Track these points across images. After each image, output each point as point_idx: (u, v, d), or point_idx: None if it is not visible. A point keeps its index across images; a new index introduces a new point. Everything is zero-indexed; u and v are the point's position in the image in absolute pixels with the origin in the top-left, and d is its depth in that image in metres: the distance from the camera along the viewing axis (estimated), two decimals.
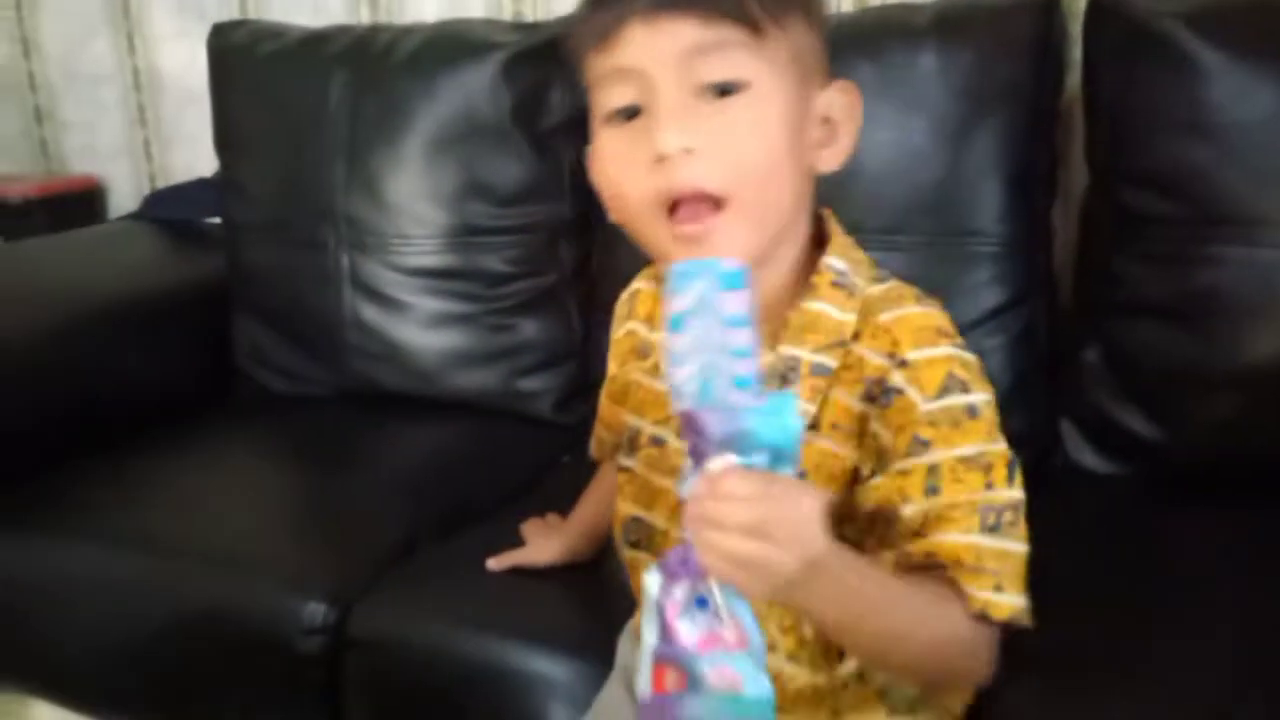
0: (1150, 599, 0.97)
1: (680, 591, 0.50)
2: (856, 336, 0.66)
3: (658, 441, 0.72)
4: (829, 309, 0.67)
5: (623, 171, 0.65)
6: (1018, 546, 0.65)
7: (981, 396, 0.64)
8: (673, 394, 0.52)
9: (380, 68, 1.45)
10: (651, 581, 0.51)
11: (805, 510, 0.51)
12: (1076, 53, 1.25)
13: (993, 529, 0.63)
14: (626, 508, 0.75)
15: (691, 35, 0.62)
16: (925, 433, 0.63)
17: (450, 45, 1.46)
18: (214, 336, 1.58)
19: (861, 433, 0.65)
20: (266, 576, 1.11)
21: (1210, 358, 1.13)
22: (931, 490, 0.63)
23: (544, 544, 1.03)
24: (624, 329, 0.81)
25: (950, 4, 1.27)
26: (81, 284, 1.50)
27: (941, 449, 0.63)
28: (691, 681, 0.49)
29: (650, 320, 0.76)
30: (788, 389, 0.65)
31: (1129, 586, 0.99)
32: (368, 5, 1.79)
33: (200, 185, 1.77)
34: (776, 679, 0.58)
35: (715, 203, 0.63)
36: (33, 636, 1.18)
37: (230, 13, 1.85)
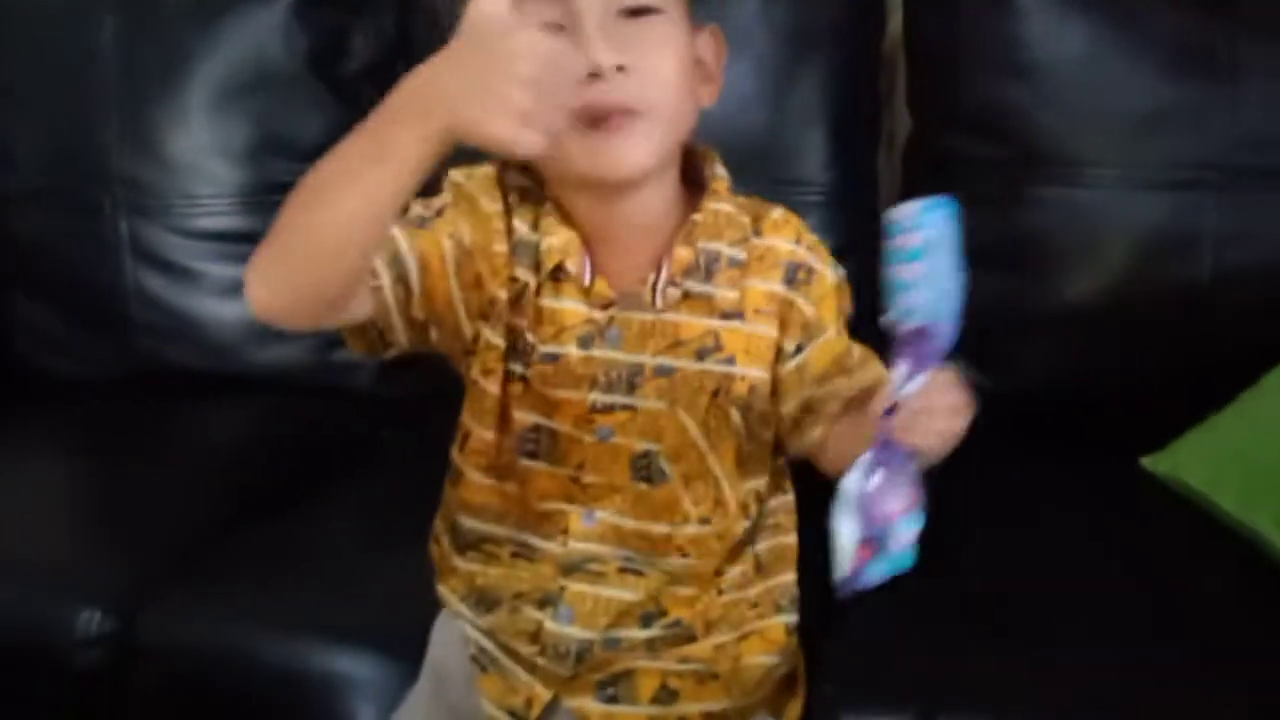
0: (973, 541, 0.96)
1: (878, 477, 0.60)
2: (757, 233, 0.75)
3: (551, 358, 0.73)
4: (732, 210, 0.75)
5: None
6: None
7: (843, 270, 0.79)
8: (900, 314, 0.61)
9: (156, 10, 1.32)
10: (850, 482, 0.60)
11: (960, 384, 0.63)
12: None
13: None
14: (523, 417, 0.74)
15: None
16: (840, 301, 0.77)
17: None
18: None
19: (784, 313, 0.74)
20: (37, 583, 1.00)
21: (1030, 300, 1.14)
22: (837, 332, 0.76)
23: None
24: (498, 205, 0.73)
25: None
26: None
27: (842, 303, 0.78)
28: (879, 550, 0.60)
29: (539, 227, 0.74)
30: (711, 279, 0.73)
31: (952, 531, 0.97)
32: None
33: None
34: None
35: (637, 115, 0.69)
36: None
37: None
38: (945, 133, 1.18)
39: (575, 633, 0.74)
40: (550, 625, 0.74)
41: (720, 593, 0.77)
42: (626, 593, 0.74)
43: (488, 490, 0.77)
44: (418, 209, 0.72)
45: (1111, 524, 0.99)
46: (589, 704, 0.75)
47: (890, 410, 0.61)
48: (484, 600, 0.78)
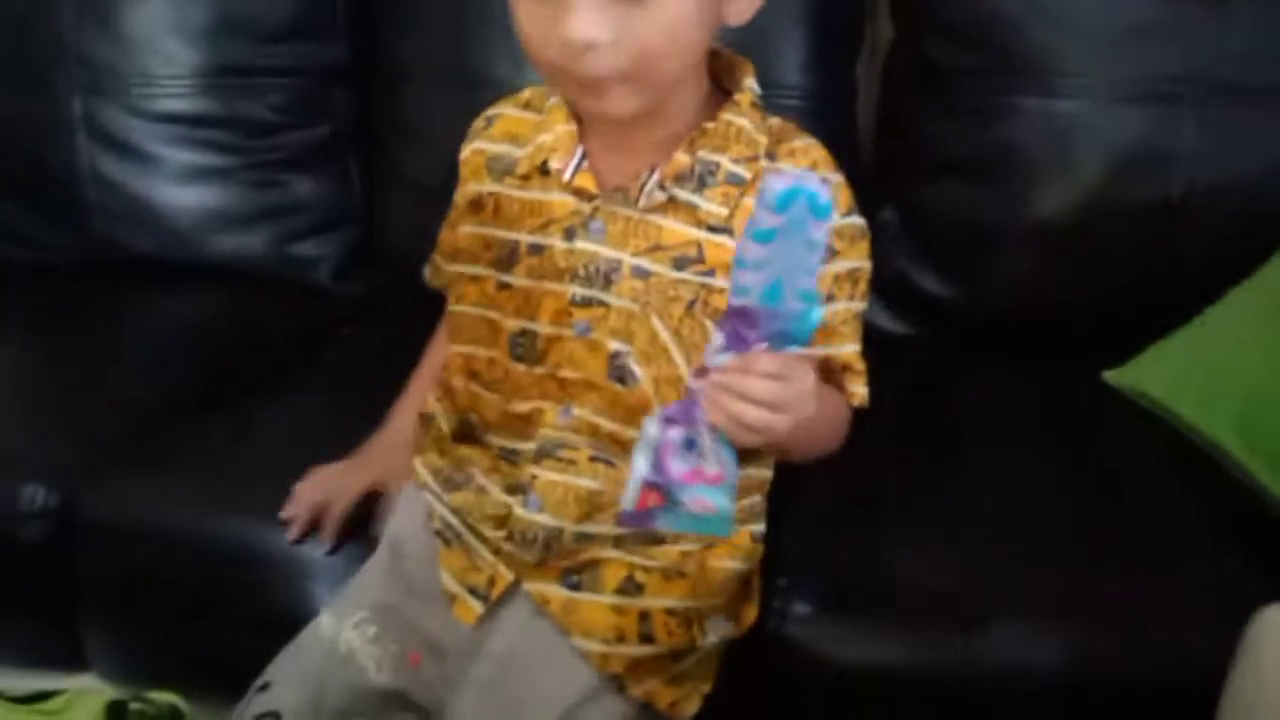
0: (938, 452, 0.98)
1: (676, 434, 0.61)
2: (771, 156, 0.73)
3: (536, 249, 0.75)
4: (747, 125, 0.73)
5: (534, 37, 0.69)
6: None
7: (864, 221, 0.77)
8: (734, 290, 0.59)
9: None
10: (651, 425, 0.61)
11: (807, 386, 0.62)
12: None
13: (861, 337, 0.78)
14: (510, 324, 0.76)
15: None
16: (840, 245, 0.74)
17: None
18: None
19: None
20: None
21: (1005, 214, 1.12)
22: (829, 298, 0.73)
23: (345, 478, 0.89)
24: (470, 148, 0.81)
25: None
26: None
27: (842, 260, 0.74)
28: (670, 503, 0.61)
29: (515, 138, 0.78)
30: (703, 190, 0.72)
31: (918, 441, 1.00)
32: None
33: None
34: None
35: (621, 80, 0.68)
36: None
37: None
38: (927, 41, 1.16)
39: (544, 520, 0.74)
40: (519, 512, 0.74)
41: None
42: (595, 482, 0.74)
43: (471, 395, 0.79)
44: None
45: (1070, 435, 1.00)
46: (551, 589, 0.75)
47: (701, 373, 0.61)
48: (453, 478, 0.78)
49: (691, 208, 0.72)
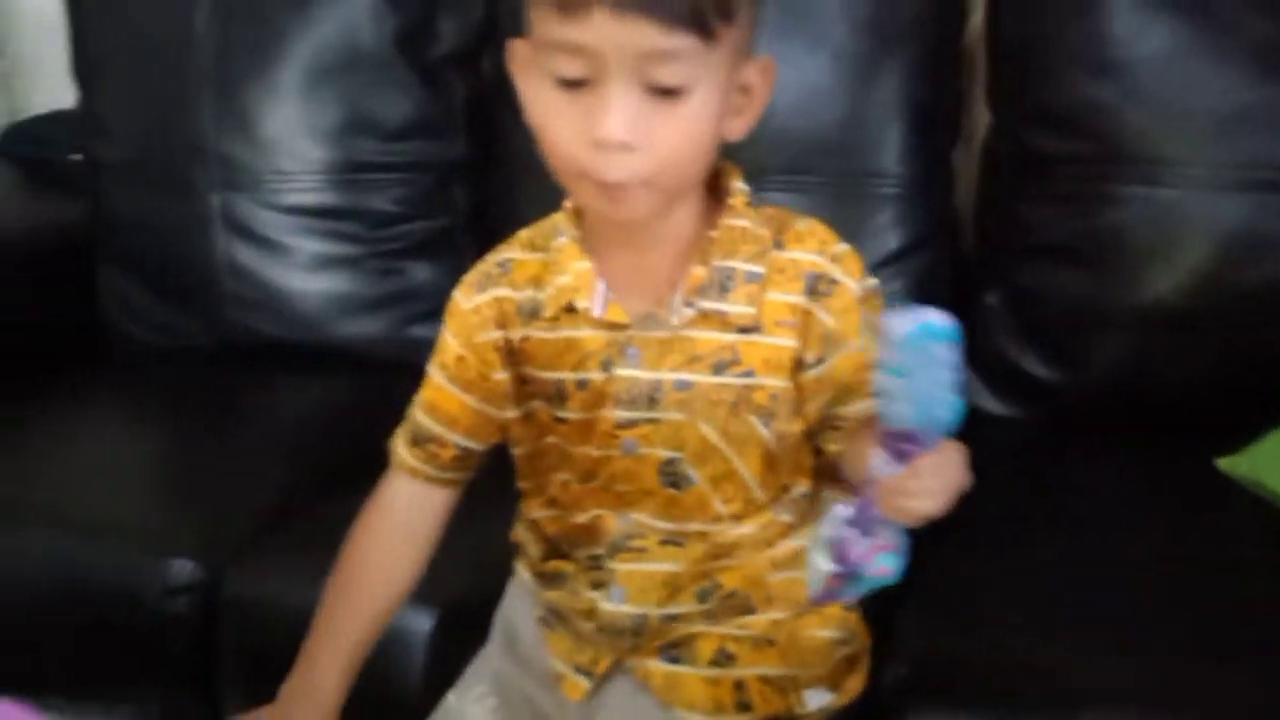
0: (1046, 536, 0.98)
1: (850, 530, 0.65)
2: (779, 244, 0.74)
3: (581, 384, 0.76)
4: (749, 224, 0.75)
5: (559, 135, 0.68)
6: None
7: (875, 280, 0.78)
8: (887, 418, 0.62)
9: None
10: (827, 527, 0.66)
11: (958, 465, 0.64)
12: None
13: None
14: (565, 450, 0.77)
15: (653, 39, 0.64)
16: (861, 310, 0.75)
17: None
18: (79, 286, 1.47)
19: (805, 325, 0.74)
20: (129, 537, 1.04)
21: (1108, 298, 1.13)
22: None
23: None
24: (488, 295, 0.78)
25: None
26: None
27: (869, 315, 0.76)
28: (852, 579, 0.66)
29: (537, 282, 0.77)
30: (725, 296, 0.74)
31: (1026, 526, 1.00)
32: None
33: (62, 118, 1.63)
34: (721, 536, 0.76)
35: (639, 184, 0.68)
36: None
37: None
38: (1026, 129, 1.18)
39: (629, 610, 0.76)
40: (604, 606, 0.77)
41: (774, 566, 0.78)
42: (671, 565, 0.76)
43: (554, 520, 0.80)
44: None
45: (1185, 522, 0.99)
46: (652, 664, 0.77)
47: (869, 485, 0.64)
48: (546, 576, 0.81)
49: (720, 315, 0.73)
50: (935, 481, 0.62)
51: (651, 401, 0.74)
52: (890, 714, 0.83)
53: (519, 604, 0.85)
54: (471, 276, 0.80)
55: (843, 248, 0.75)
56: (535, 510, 0.81)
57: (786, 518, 0.78)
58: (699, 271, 0.73)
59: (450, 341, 0.79)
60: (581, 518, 0.77)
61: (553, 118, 0.68)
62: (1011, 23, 1.19)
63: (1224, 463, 1.04)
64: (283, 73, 1.34)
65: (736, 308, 0.73)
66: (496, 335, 0.78)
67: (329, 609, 0.81)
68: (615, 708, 0.78)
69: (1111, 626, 0.86)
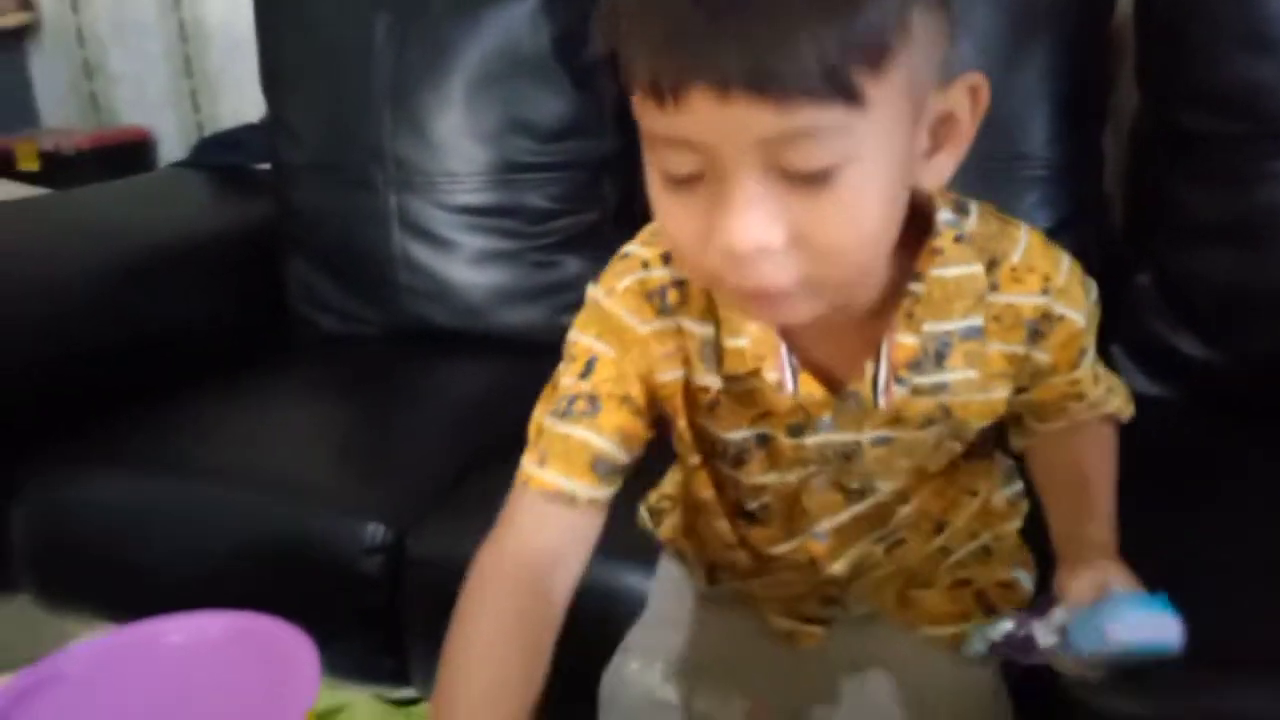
0: (1202, 520, 0.97)
1: (1005, 647, 0.69)
2: (994, 288, 0.63)
3: (762, 441, 0.67)
4: (963, 270, 0.62)
5: (684, 241, 0.55)
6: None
7: (1094, 287, 0.72)
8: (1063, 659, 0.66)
9: (424, 5, 1.46)
10: (994, 629, 0.69)
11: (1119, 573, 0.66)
12: None
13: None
14: (732, 493, 0.72)
15: (772, 122, 0.48)
16: (1085, 340, 0.69)
17: None
18: (267, 279, 1.60)
19: (1018, 368, 0.67)
20: (329, 502, 1.14)
21: (1264, 279, 1.12)
22: (1095, 378, 0.74)
23: None
24: (671, 322, 0.65)
25: None
26: (133, 228, 1.52)
27: (1089, 339, 0.71)
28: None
29: (713, 315, 0.64)
30: (943, 364, 0.64)
31: (1182, 509, 0.99)
32: None
33: (249, 130, 1.79)
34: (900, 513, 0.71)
35: (797, 290, 0.55)
36: (115, 563, 1.21)
37: None
38: (1179, 108, 1.17)
39: (870, 609, 0.77)
40: (844, 616, 0.77)
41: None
42: (900, 564, 0.75)
43: (722, 534, 0.76)
44: (567, 375, 0.67)
45: None
46: (885, 595, 0.76)
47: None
48: (741, 596, 0.79)
49: (939, 386, 0.64)
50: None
51: (845, 459, 0.68)
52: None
53: (681, 588, 0.83)
54: (631, 284, 0.65)
55: (1065, 276, 0.65)
56: (714, 519, 0.75)
57: (969, 507, 0.77)
58: (908, 342, 0.62)
59: (627, 371, 0.64)
60: (771, 550, 0.74)
61: (671, 221, 0.55)
62: (1162, 2, 1.18)
63: None
64: (452, 81, 1.43)
65: (957, 374, 0.63)
66: (681, 376, 0.65)
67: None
68: (855, 644, 0.76)
69: (1263, 612, 0.85)
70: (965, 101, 0.57)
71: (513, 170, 1.45)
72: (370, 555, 1.09)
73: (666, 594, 0.84)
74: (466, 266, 1.47)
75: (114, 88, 2.15)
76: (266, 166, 1.64)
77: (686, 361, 0.65)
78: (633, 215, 1.45)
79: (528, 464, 0.68)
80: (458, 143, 1.45)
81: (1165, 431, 1.13)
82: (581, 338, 0.67)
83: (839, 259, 0.53)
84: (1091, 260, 1.21)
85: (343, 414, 1.36)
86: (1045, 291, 0.65)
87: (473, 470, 1.18)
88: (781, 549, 0.74)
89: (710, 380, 0.65)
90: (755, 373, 0.63)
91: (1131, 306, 1.20)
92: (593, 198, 1.46)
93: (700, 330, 0.64)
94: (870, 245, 0.54)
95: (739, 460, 0.69)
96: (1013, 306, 0.64)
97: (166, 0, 2.02)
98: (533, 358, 1.41)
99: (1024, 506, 0.81)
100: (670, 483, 0.84)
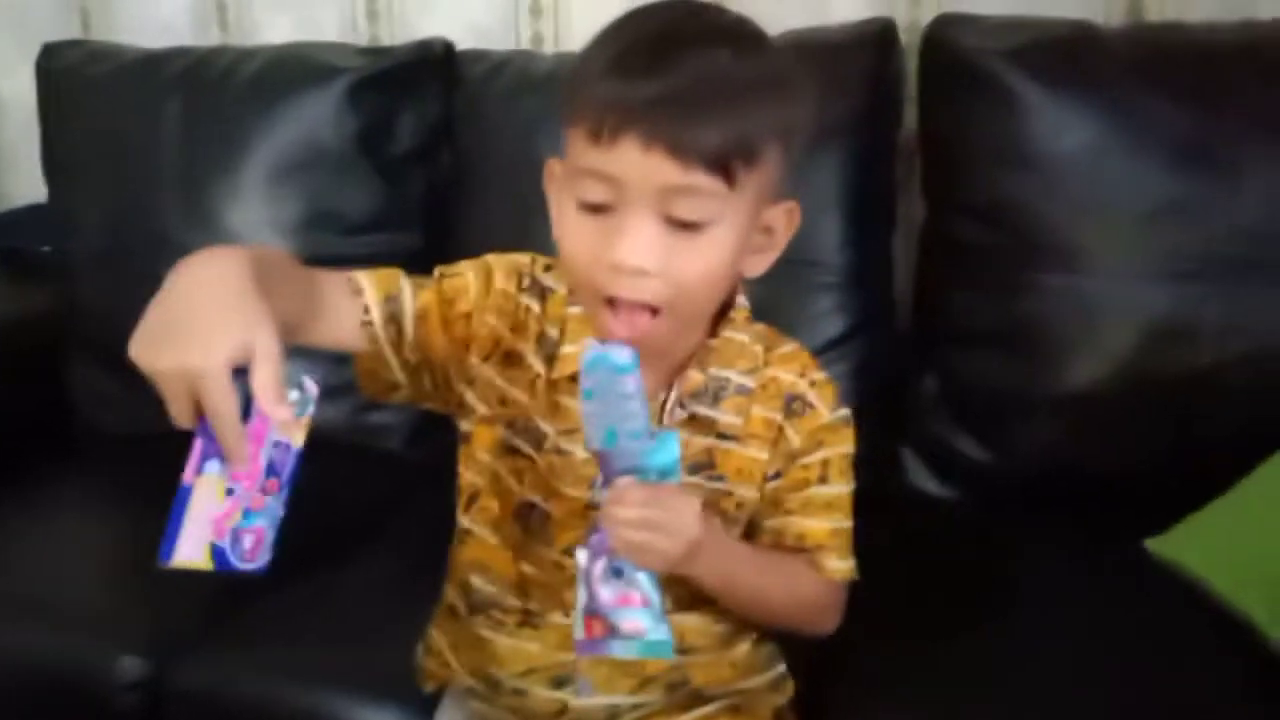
0: (983, 612, 1.01)
1: (600, 565, 0.68)
2: (767, 363, 0.79)
3: (561, 452, 0.77)
4: (747, 339, 0.79)
5: (580, 257, 0.71)
6: (850, 524, 0.83)
7: (848, 410, 0.82)
8: (585, 439, 0.68)
9: (218, 92, 1.41)
10: (581, 556, 0.69)
11: (683, 509, 0.68)
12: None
13: (847, 516, 0.82)
14: (522, 492, 0.78)
15: (675, 176, 0.66)
16: (824, 437, 0.80)
17: (293, 69, 1.42)
18: (47, 374, 1.50)
19: (776, 440, 0.78)
20: (83, 630, 1.06)
21: (1035, 384, 1.17)
22: (821, 480, 0.80)
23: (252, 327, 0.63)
24: (524, 300, 0.78)
25: (789, 37, 1.29)
26: None
27: (830, 448, 0.80)
28: (612, 630, 0.68)
29: (563, 329, 0.78)
30: (718, 404, 0.78)
31: (960, 603, 1.03)
32: (218, 25, 1.73)
33: (34, 211, 1.68)
34: (676, 627, 0.72)
35: (651, 310, 0.70)
36: None
37: (71, 33, 1.76)
38: (955, 221, 1.23)
39: (602, 700, 0.78)
40: (575, 702, 0.78)
41: (734, 668, 0.82)
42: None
43: (493, 549, 0.80)
44: (439, 269, 0.78)
45: (1113, 601, 1.01)
46: None
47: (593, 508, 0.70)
48: (492, 681, 0.81)
49: (710, 421, 0.77)
50: (636, 512, 0.66)
51: None
52: None
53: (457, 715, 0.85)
54: (516, 263, 0.79)
55: (820, 375, 0.80)
56: (480, 527, 0.80)
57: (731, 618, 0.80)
58: (696, 376, 0.77)
59: (470, 293, 0.76)
60: (539, 577, 0.78)
61: (575, 238, 0.71)
62: (939, 119, 1.25)
63: (1151, 543, 1.06)
64: (247, 171, 1.39)
65: (726, 416, 0.77)
66: (503, 331, 0.77)
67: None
68: None
69: (1040, 706, 0.88)
70: (783, 219, 0.75)
71: (316, 264, 1.39)
72: (127, 692, 1.01)
73: None
74: None
75: None
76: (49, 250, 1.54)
77: (515, 330, 0.78)
78: None
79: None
80: (256, 235, 1.39)
81: (947, 531, 1.18)
82: (461, 263, 0.80)
83: (688, 293, 0.70)
84: (880, 364, 1.28)
85: (116, 527, 1.26)
86: (802, 375, 0.80)
87: (243, 593, 1.11)
88: (543, 577, 0.78)
89: (536, 365, 0.77)
90: (574, 377, 0.72)
91: (918, 410, 1.24)
92: None
93: (546, 327, 0.78)
94: (712, 287, 0.72)
95: (533, 443, 0.77)
96: (776, 379, 0.79)
97: None
98: (330, 458, 1.37)
99: (788, 687, 0.86)
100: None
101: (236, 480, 0.64)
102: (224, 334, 0.61)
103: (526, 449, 0.78)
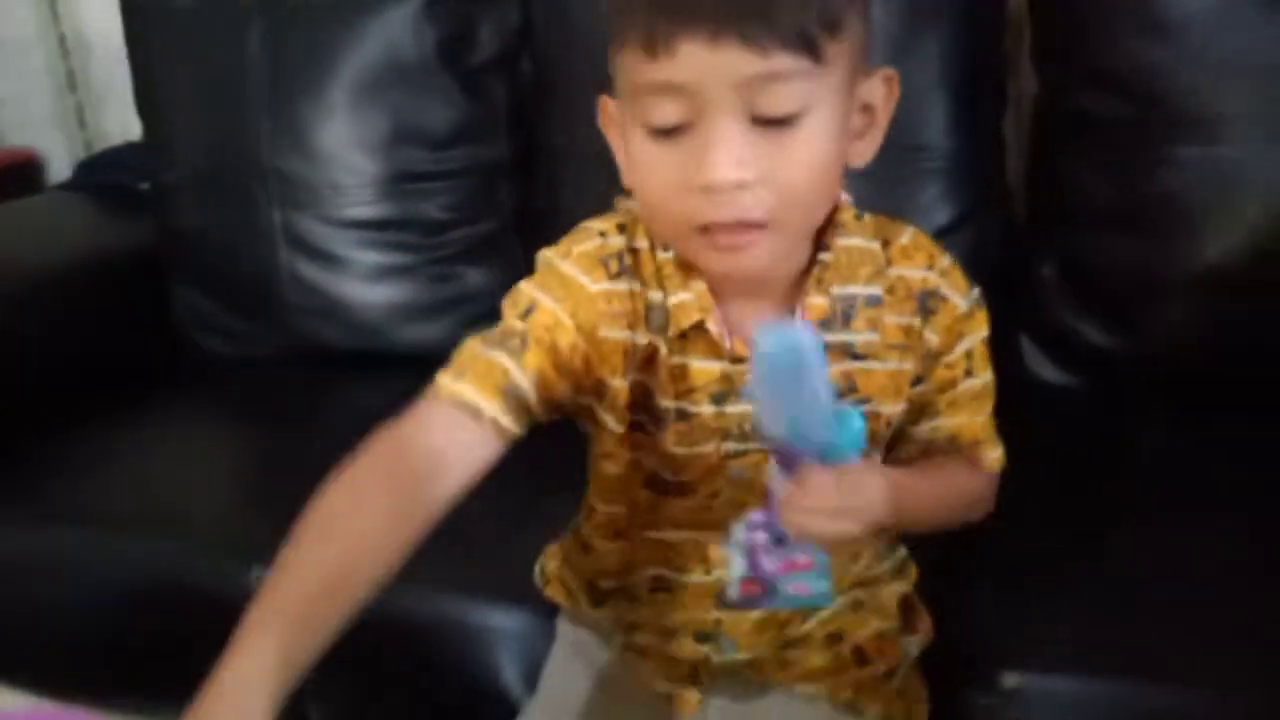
0: (1108, 505, 0.97)
1: (762, 535, 0.65)
2: (889, 260, 0.71)
3: (683, 415, 0.70)
4: (862, 242, 0.70)
5: (663, 190, 0.63)
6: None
7: (978, 289, 0.74)
8: (757, 425, 0.64)
9: (299, 13, 1.39)
10: (739, 530, 0.66)
11: (868, 488, 0.63)
12: None
13: (991, 401, 0.76)
14: (652, 465, 0.72)
15: (754, 66, 0.58)
16: (963, 327, 0.73)
17: None
18: (153, 304, 1.53)
19: (914, 345, 0.71)
20: (214, 543, 1.09)
21: (1167, 264, 1.10)
22: (967, 373, 0.74)
23: None
24: (623, 285, 0.68)
25: None
26: (11, 257, 1.44)
27: (970, 337, 0.73)
28: (770, 590, 0.66)
29: (663, 284, 0.69)
30: (849, 325, 0.70)
31: (1088, 495, 0.99)
32: None
33: (131, 149, 1.71)
34: None
35: (757, 225, 0.62)
36: None
37: None
38: (1076, 93, 1.15)
39: (744, 657, 0.76)
40: (717, 659, 0.76)
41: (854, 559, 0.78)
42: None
43: (617, 553, 0.78)
44: (509, 317, 0.68)
45: (1247, 487, 0.96)
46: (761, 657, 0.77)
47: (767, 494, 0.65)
48: (627, 629, 0.80)
49: (843, 345, 0.69)
50: (825, 502, 0.60)
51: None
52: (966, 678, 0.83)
53: (572, 667, 0.83)
54: (588, 248, 0.69)
55: (947, 261, 0.72)
56: (599, 540, 0.78)
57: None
58: (819, 302, 0.69)
59: (564, 322, 0.66)
60: (676, 536, 0.75)
61: (652, 171, 0.62)
62: None
63: None
64: (332, 90, 1.37)
65: (860, 336, 0.69)
66: (625, 336, 0.68)
67: (311, 584, 0.60)
68: (732, 708, 0.78)
69: (1175, 606, 0.84)
70: (881, 90, 0.66)
71: (404, 180, 1.39)
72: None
73: (557, 675, 0.84)
74: (359, 283, 1.40)
75: None
76: (147, 186, 1.57)
77: (632, 325, 0.69)
78: (532, 223, 1.40)
79: (442, 377, 0.68)
80: (343, 154, 1.38)
81: (1073, 420, 1.13)
82: (526, 287, 0.70)
83: (798, 197, 0.62)
84: (992, 251, 1.22)
85: (232, 445, 1.30)
86: (931, 267, 0.71)
87: None
88: (681, 535, 0.74)
89: (652, 338, 0.69)
90: (699, 325, 0.68)
91: (1036, 297, 1.19)
92: (490, 206, 1.41)
93: (649, 294, 0.69)
94: (820, 188, 0.63)
95: (657, 424, 0.71)
96: (904, 279, 0.71)
97: (44, 13, 1.92)
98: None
99: (911, 572, 0.82)
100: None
101: None
102: None
103: (652, 428, 0.71)
